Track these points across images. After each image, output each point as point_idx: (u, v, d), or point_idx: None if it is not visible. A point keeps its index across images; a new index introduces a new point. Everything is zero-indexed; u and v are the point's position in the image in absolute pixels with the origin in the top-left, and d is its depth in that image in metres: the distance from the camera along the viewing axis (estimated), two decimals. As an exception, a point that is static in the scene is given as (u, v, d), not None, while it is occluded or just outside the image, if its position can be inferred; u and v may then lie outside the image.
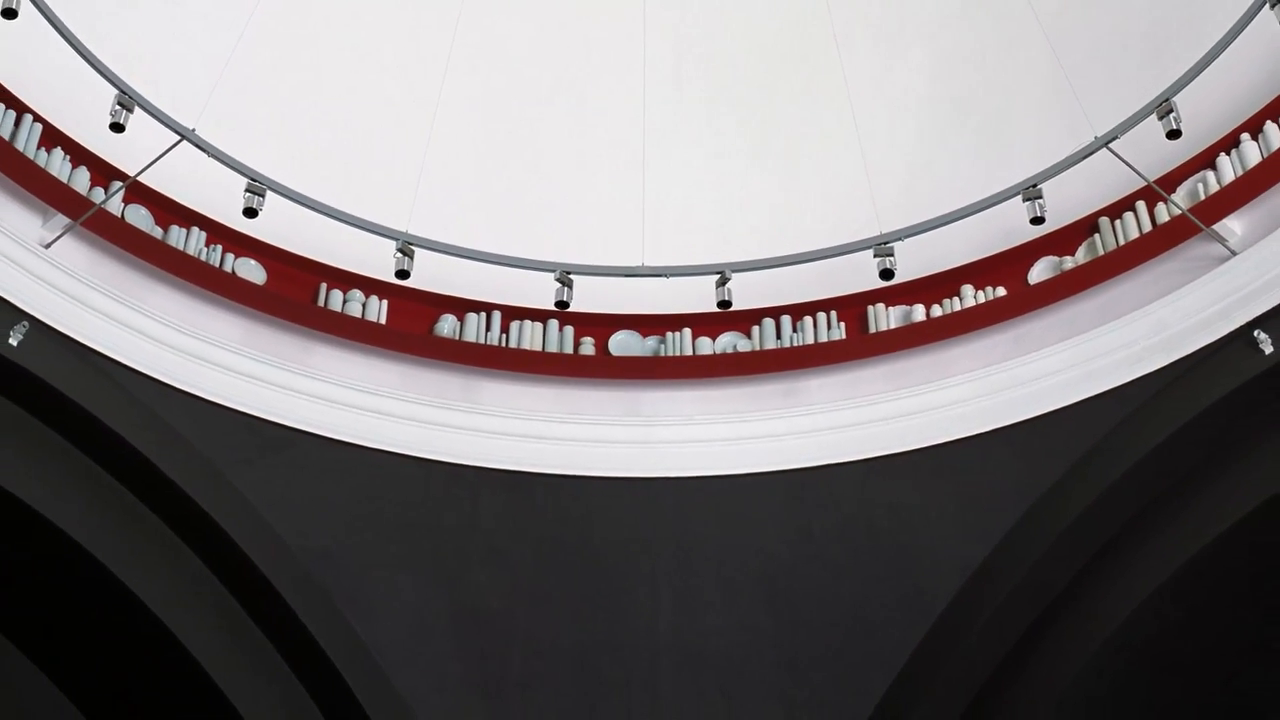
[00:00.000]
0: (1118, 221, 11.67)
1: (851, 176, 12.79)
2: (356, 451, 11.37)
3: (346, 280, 12.21)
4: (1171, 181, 11.47)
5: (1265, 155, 10.92)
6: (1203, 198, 11.12)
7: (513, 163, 13.34)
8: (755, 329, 12.43)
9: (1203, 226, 10.78)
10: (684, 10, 13.51)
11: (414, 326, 12.24)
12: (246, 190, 11.00)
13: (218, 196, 11.56)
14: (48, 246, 10.59)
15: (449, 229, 12.04)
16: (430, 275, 11.92)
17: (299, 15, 12.84)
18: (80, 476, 10.33)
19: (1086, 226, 11.89)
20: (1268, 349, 10.21)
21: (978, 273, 12.20)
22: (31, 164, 10.81)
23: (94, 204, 10.92)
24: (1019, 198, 11.11)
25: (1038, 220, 11.01)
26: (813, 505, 11.45)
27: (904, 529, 11.22)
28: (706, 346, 12.40)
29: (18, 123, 11.01)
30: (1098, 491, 10.70)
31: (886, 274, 11.31)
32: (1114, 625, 10.79)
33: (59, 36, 10.64)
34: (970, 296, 12.04)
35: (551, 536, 11.44)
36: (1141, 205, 11.58)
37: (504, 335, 12.30)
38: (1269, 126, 11.08)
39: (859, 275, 11.99)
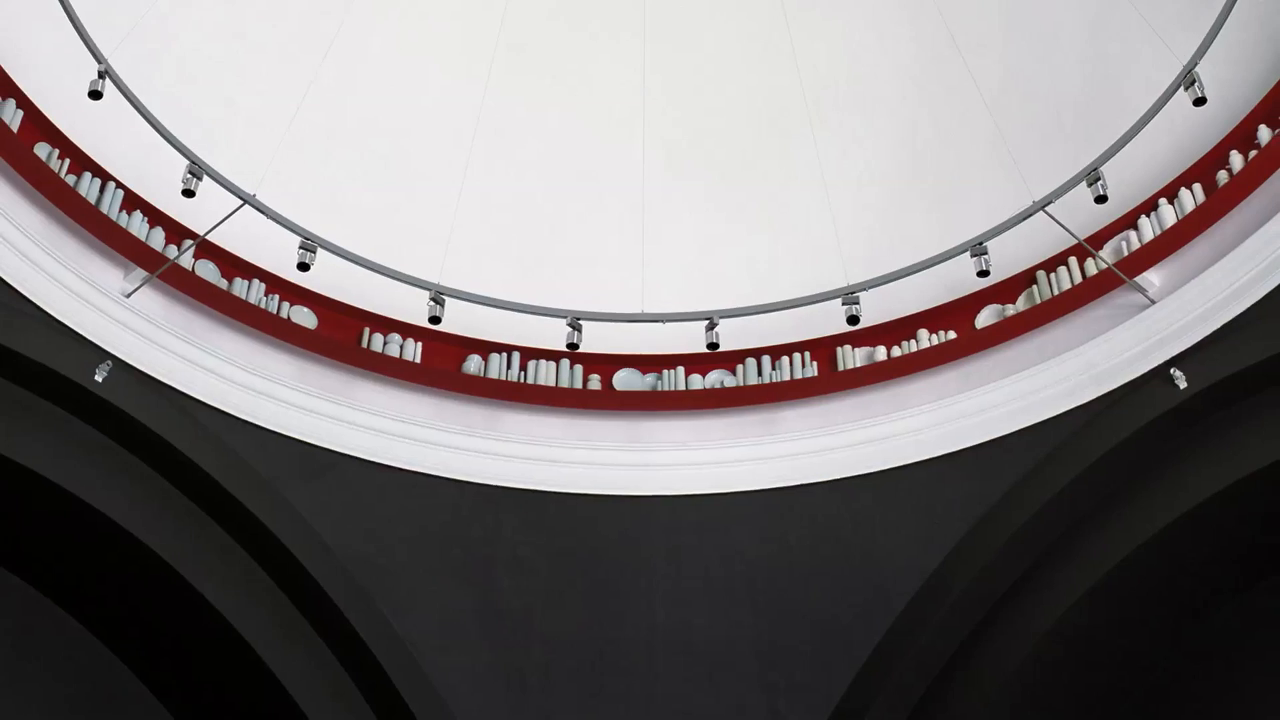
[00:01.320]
0: (1052, 274, 11.79)
1: (822, 236, 12.89)
2: (395, 473, 11.44)
3: (386, 325, 12.23)
4: (1099, 239, 11.62)
5: (1180, 217, 11.06)
6: (1126, 254, 11.26)
7: (531, 226, 13.35)
8: (739, 367, 12.46)
9: (1126, 279, 10.97)
10: (676, 99, 13.48)
11: (445, 365, 12.26)
12: (300, 248, 11.05)
13: (275, 253, 11.74)
14: (128, 296, 10.79)
15: (475, 281, 12.10)
16: (459, 321, 11.97)
17: (345, 99, 12.89)
18: (156, 494, 10.51)
19: (1025, 279, 11.99)
20: (1182, 384, 10.37)
21: (932, 319, 12.28)
22: (114, 225, 10.97)
23: (168, 259, 11.07)
24: (967, 254, 11.16)
25: (983, 273, 11.05)
26: (789, 519, 11.52)
27: (868, 540, 11.29)
28: (697, 382, 12.42)
29: (103, 189, 11.19)
30: (1036, 508, 10.81)
31: (853, 320, 11.31)
32: (1050, 621, 10.86)
33: (139, 115, 10.80)
34: (925, 339, 12.09)
35: (564, 546, 11.51)
36: (1073, 260, 11.71)
37: (523, 372, 12.31)
38: (1183, 192, 11.23)
39: (829, 321, 12.06)
